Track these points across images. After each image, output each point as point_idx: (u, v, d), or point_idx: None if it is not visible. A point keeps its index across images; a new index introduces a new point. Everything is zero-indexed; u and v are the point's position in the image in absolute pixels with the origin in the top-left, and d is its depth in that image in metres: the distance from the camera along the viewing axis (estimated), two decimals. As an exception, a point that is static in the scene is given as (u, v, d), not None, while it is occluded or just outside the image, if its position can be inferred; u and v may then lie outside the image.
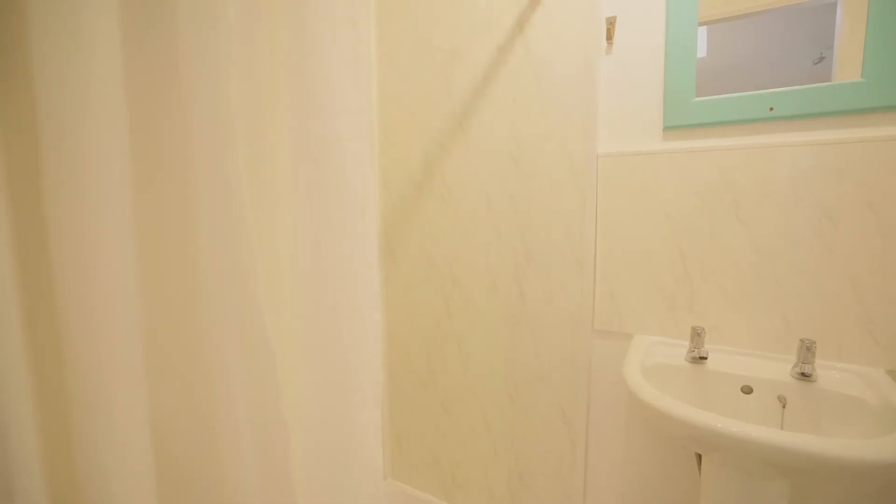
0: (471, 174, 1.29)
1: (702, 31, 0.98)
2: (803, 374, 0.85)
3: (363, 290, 0.59)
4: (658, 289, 1.06)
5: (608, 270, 1.12)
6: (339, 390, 0.58)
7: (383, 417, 1.56)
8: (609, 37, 1.05)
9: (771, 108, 0.91)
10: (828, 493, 0.92)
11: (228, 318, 0.49)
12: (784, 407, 0.86)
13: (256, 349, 0.51)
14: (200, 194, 0.47)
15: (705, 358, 0.94)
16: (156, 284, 0.49)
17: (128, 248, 0.45)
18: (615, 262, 1.11)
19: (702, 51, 0.98)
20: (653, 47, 1.02)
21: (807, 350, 0.86)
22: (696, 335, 0.96)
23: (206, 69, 0.45)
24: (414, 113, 1.37)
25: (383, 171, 1.46)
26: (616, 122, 1.08)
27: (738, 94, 0.94)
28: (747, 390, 0.90)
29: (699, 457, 0.92)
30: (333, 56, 0.52)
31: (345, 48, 0.53)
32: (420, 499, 1.53)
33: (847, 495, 0.91)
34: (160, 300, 0.49)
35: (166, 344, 0.50)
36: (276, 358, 0.52)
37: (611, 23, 1.04)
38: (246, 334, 0.50)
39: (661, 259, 1.05)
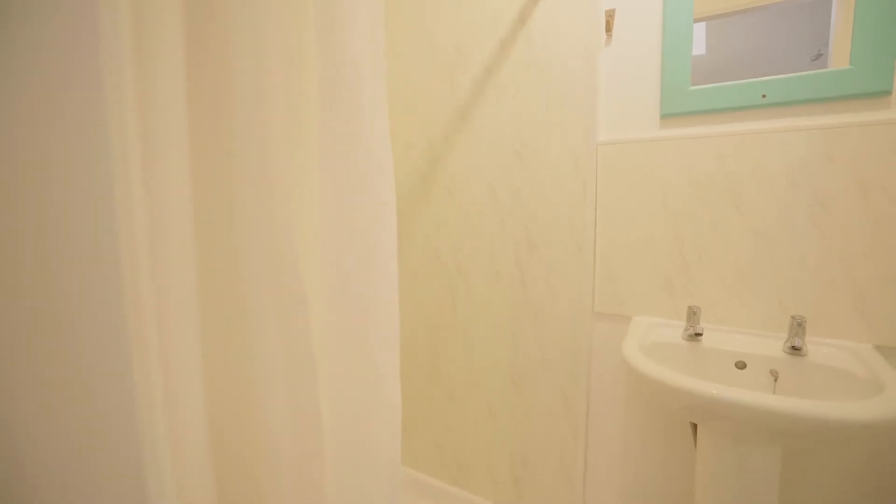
0: (475, 166, 1.33)
1: (701, 29, 1.02)
2: (794, 348, 0.89)
3: (383, 243, 0.64)
4: (656, 272, 1.10)
5: (608, 255, 1.15)
6: (360, 333, 0.63)
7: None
8: (608, 28, 1.09)
9: (763, 96, 0.95)
10: (816, 462, 0.96)
11: (265, 264, 0.54)
12: (776, 380, 0.89)
13: (290, 293, 0.55)
14: (241, 148, 0.53)
15: (700, 334, 0.97)
16: (206, 234, 0.54)
17: (186, 204, 0.50)
18: (615, 248, 1.14)
19: (701, 49, 1.03)
20: (650, 37, 1.06)
21: (798, 325, 0.89)
22: (693, 314, 0.99)
23: (250, 32, 0.51)
24: (419, 108, 1.42)
25: (390, 163, 1.51)
26: (615, 110, 1.12)
27: (731, 83, 0.98)
28: (741, 365, 0.93)
29: (695, 431, 0.95)
30: (357, 26, 0.58)
31: (364, 21, 0.59)
32: (427, 483, 1.56)
33: (833, 464, 0.94)
34: (209, 247, 0.55)
35: (212, 283, 0.55)
36: (308, 302, 0.56)
37: (610, 15, 1.08)
38: (280, 280, 0.55)
39: (660, 243, 1.09)
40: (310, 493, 0.59)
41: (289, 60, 0.58)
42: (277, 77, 0.54)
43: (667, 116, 1.06)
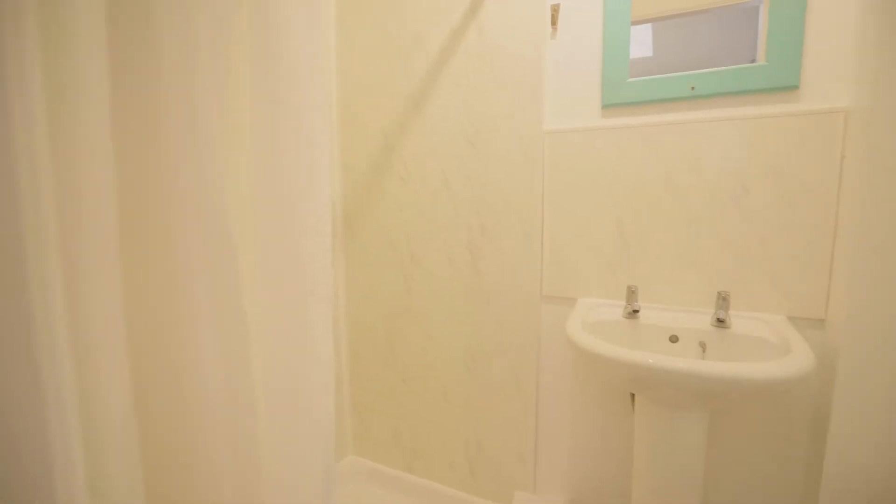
0: (429, 154, 1.36)
1: (647, 32, 1.09)
2: (719, 321, 0.96)
3: (314, 198, 0.64)
4: (599, 255, 1.16)
5: (555, 240, 1.21)
6: (293, 287, 0.64)
7: (344, 397, 1.60)
8: (553, 22, 1.14)
9: (692, 88, 1.02)
10: (735, 425, 1.05)
11: (194, 220, 0.54)
12: (704, 351, 0.97)
13: (219, 247, 0.56)
14: (170, 107, 0.53)
15: (637, 311, 1.03)
16: (130, 192, 0.53)
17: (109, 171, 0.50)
18: (561, 233, 1.20)
19: (648, 51, 1.09)
20: (592, 31, 1.12)
21: (723, 300, 0.97)
22: (631, 293, 1.06)
23: (180, 12, 0.51)
24: (374, 96, 1.43)
25: (344, 153, 1.51)
26: (561, 100, 1.17)
27: (664, 76, 1.05)
28: (674, 339, 1.00)
29: (633, 400, 1.02)
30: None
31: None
32: (382, 472, 1.57)
33: (749, 426, 1.03)
34: (134, 204, 0.54)
35: (140, 237, 0.54)
36: (238, 256, 0.56)
37: (555, 9, 1.13)
38: (209, 235, 0.55)
39: (602, 228, 1.15)
40: (244, 448, 0.59)
41: (217, 23, 0.57)
42: (206, 36, 0.54)
43: (607, 107, 1.12)
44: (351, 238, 1.53)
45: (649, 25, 1.09)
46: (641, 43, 1.09)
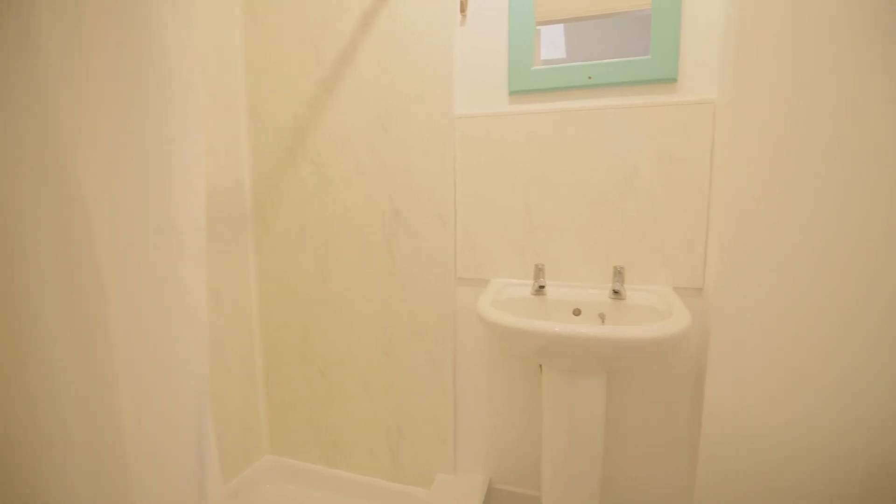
0: (342, 139, 1.33)
1: (559, 32, 1.14)
2: (615, 292, 1.05)
3: (185, 150, 0.60)
4: (509, 237, 1.21)
5: (468, 223, 1.24)
6: (158, 240, 0.59)
7: (259, 395, 1.52)
8: (462, 9, 1.17)
9: (589, 77, 1.10)
10: (632, 389, 1.16)
11: (40, 187, 0.48)
12: (603, 321, 1.04)
13: (64, 198, 0.50)
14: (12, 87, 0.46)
15: (544, 287, 1.09)
16: None
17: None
18: (474, 216, 1.23)
19: (562, 52, 1.15)
20: (499, 18, 1.15)
21: (618, 273, 1.06)
22: (538, 270, 1.11)
23: None
24: (284, 80, 1.36)
25: (254, 137, 1.43)
26: (471, 86, 1.20)
27: (564, 65, 1.12)
28: (577, 312, 1.07)
29: (542, 371, 1.07)
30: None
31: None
32: (301, 469, 1.51)
33: (645, 389, 1.14)
34: None
35: None
36: (89, 209, 0.51)
37: (463, -3, 1.15)
38: (58, 199, 0.50)
39: (511, 210, 1.19)
40: (103, 422, 0.54)
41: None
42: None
43: (514, 93, 1.16)
44: (262, 226, 1.46)
45: (562, 27, 1.14)
46: (555, 45, 1.15)
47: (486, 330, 0.98)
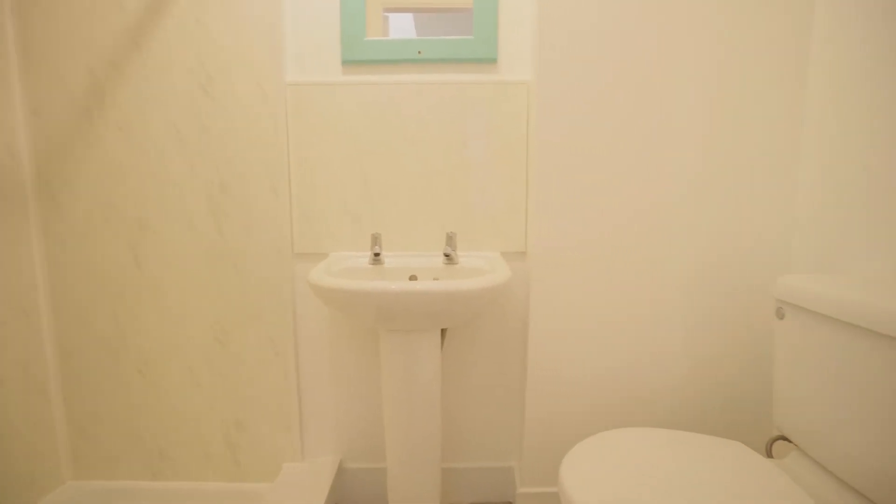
0: (155, 101, 1.16)
1: (408, 20, 1.16)
2: (447, 256, 1.11)
3: None
4: (347, 208, 1.19)
5: (304, 195, 1.19)
6: None
7: (53, 412, 1.26)
8: (289, -31, 1.11)
9: (419, 52, 1.13)
10: (469, 345, 1.24)
11: None
12: (437, 284, 1.09)
13: None
14: None
15: (380, 254, 1.10)
16: None
17: None
18: (310, 188, 1.18)
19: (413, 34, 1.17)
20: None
21: (450, 238, 1.12)
22: (375, 239, 1.12)
23: None
24: (74, 27, 1.14)
25: (31, 92, 1.17)
26: (303, 53, 1.16)
27: (396, 38, 1.14)
28: (413, 278, 1.10)
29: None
30: None
31: None
32: (118, 490, 1.29)
33: (481, 344, 1.23)
34: None
35: None
36: None
37: (290, -44, 1.10)
38: None
39: (348, 181, 1.18)
40: None
41: None
42: None
43: (347, 63, 1.15)
44: (51, 204, 1.21)
45: (411, 16, 1.17)
46: (407, 32, 1.17)
47: (323, 300, 0.95)
